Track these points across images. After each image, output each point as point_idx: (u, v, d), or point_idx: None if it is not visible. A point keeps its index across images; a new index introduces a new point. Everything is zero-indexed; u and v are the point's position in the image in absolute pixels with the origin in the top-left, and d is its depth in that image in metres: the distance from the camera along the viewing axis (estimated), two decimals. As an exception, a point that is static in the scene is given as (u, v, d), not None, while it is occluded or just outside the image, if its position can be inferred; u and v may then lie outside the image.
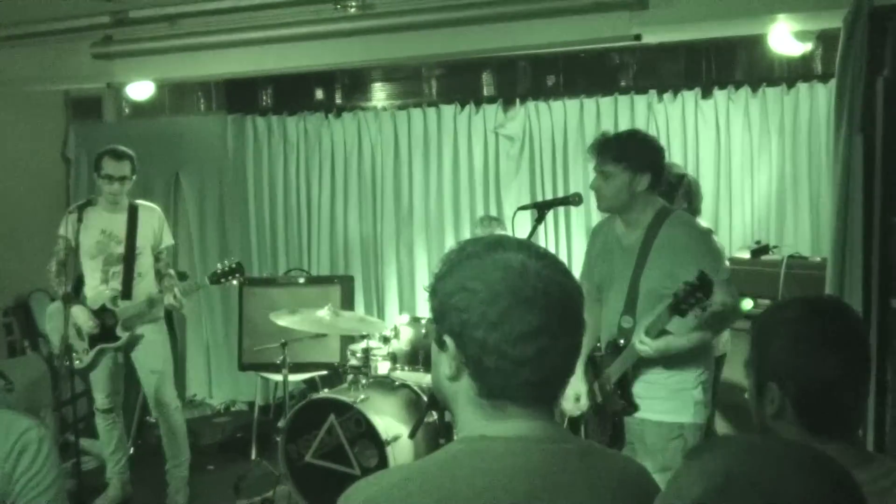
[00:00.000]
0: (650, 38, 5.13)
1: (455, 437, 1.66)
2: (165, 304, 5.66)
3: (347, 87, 7.88)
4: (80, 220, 5.57)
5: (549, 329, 1.51)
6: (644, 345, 3.75)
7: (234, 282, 5.74)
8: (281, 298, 6.78)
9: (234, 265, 5.65)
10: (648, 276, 3.89)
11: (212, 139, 8.04)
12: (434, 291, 1.61)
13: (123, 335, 5.66)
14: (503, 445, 1.54)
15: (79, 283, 5.85)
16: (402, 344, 5.94)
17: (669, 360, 3.88)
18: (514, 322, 1.50)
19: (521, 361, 1.51)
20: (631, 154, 3.89)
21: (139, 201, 5.87)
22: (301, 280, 7.27)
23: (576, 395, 4.17)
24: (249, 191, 8.04)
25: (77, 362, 5.68)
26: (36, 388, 6.94)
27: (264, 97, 8.07)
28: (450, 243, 7.40)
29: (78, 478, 5.61)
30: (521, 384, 1.53)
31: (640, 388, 3.97)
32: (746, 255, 5.72)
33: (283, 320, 5.70)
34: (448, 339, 1.58)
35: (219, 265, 5.69)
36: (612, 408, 4.03)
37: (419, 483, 1.50)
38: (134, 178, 5.75)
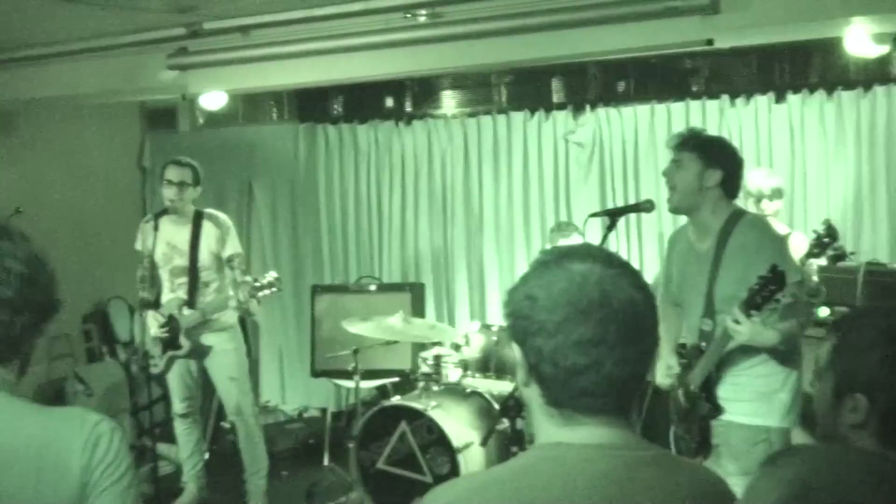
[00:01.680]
0: (722, 43, 5.07)
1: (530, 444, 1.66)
2: (234, 309, 5.68)
3: (417, 95, 7.90)
4: (156, 228, 5.68)
5: (606, 340, 1.51)
6: (738, 324, 3.64)
7: (272, 294, 5.63)
8: (352, 306, 6.83)
9: (271, 279, 5.56)
10: (723, 282, 3.86)
11: (284, 148, 8.14)
12: (507, 298, 1.64)
13: (186, 344, 5.71)
14: (579, 452, 1.55)
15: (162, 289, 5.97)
16: (473, 351, 5.95)
17: (756, 362, 3.85)
18: (568, 332, 1.52)
19: (574, 371, 1.52)
20: (706, 146, 3.92)
21: (207, 210, 5.90)
22: (372, 287, 7.31)
23: (667, 365, 4.16)
24: (321, 199, 8.10)
25: (154, 368, 5.78)
26: (114, 394, 7.08)
27: (335, 106, 8.12)
28: (520, 250, 7.42)
29: (154, 482, 5.70)
30: (579, 394, 1.55)
31: (725, 391, 3.93)
32: (823, 261, 5.62)
33: (355, 327, 5.74)
34: (515, 346, 1.61)
35: (259, 279, 5.57)
36: (698, 412, 4.00)
37: (497, 489, 1.53)
38: (198, 188, 5.77)
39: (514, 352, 1.62)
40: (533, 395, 1.62)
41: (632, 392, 1.60)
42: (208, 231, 5.78)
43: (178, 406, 5.97)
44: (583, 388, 1.54)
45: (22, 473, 1.86)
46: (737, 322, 3.64)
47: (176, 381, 5.90)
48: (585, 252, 1.61)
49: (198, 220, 5.79)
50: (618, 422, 1.58)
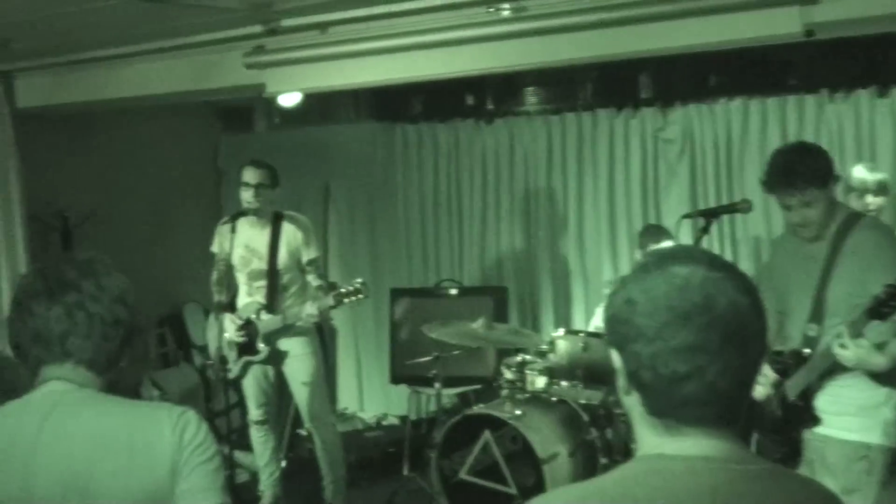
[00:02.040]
0: (822, 35, 4.97)
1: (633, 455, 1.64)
2: (304, 316, 5.70)
3: (499, 92, 7.88)
4: (233, 230, 5.70)
5: (707, 346, 1.49)
6: (845, 347, 3.57)
7: (358, 301, 5.64)
8: (433, 310, 6.86)
9: (357, 285, 5.56)
10: (836, 285, 3.77)
11: (361, 148, 8.19)
12: (607, 302, 1.63)
13: (263, 349, 5.78)
14: (683, 465, 1.52)
15: (237, 293, 6.04)
16: (558, 358, 5.91)
17: (859, 373, 3.73)
18: (667, 338, 1.50)
19: (673, 379, 1.51)
20: (822, 171, 3.78)
21: (286, 212, 5.95)
22: (453, 291, 7.33)
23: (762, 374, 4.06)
24: (399, 200, 8.15)
25: (229, 373, 5.85)
26: (189, 399, 7.19)
27: (414, 104, 8.16)
28: (605, 254, 7.36)
29: (231, 490, 5.75)
30: (680, 403, 1.53)
31: (824, 402, 3.85)
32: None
33: (436, 332, 5.74)
34: (614, 352, 1.60)
35: (345, 286, 5.59)
36: (794, 423, 3.92)
37: (597, 502, 1.51)
38: (276, 190, 5.82)
39: (614, 358, 1.61)
40: (634, 404, 1.60)
41: (738, 402, 1.56)
42: (288, 233, 5.82)
43: (254, 413, 6.04)
44: (685, 397, 1.51)
45: (115, 455, 2.10)
46: (843, 346, 3.56)
47: (252, 386, 5.97)
48: (688, 254, 1.59)
49: (277, 221, 5.83)
50: (724, 433, 1.55)
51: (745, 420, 1.59)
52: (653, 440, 1.58)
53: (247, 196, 5.72)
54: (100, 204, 7.17)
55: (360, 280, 5.64)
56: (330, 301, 5.53)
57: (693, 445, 1.54)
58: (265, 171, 5.78)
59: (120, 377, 2.33)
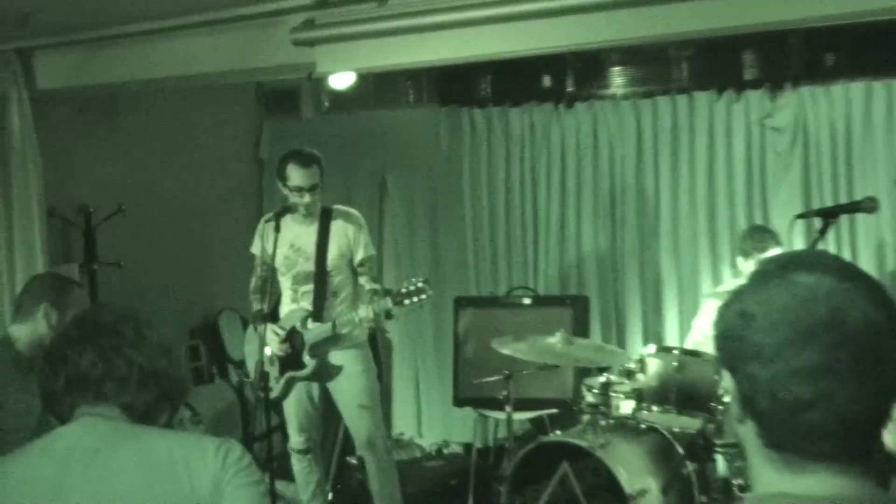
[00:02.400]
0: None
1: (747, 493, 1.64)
2: (357, 321, 5.73)
3: (581, 72, 7.86)
4: (277, 228, 5.66)
5: (835, 369, 1.46)
6: None
7: (420, 303, 5.64)
8: (503, 322, 6.87)
9: (419, 284, 5.60)
10: None
11: (423, 136, 8.24)
12: (719, 316, 1.62)
13: (310, 363, 5.81)
14: (806, 507, 1.53)
15: (279, 301, 6.08)
16: (649, 379, 5.87)
17: None
18: (789, 358, 1.48)
19: (797, 406, 1.48)
20: None
21: (336, 206, 5.99)
22: (527, 301, 7.32)
23: None
24: (465, 195, 8.17)
25: (271, 392, 5.82)
26: (224, 421, 7.25)
27: (483, 86, 8.16)
28: (703, 259, 7.32)
29: (272, 525, 5.82)
30: (803, 434, 1.50)
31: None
32: None
33: (507, 348, 5.72)
34: (726, 374, 1.59)
35: (404, 284, 5.64)
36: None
37: None
38: (324, 179, 5.86)
39: (726, 381, 1.60)
40: (748, 435, 1.59)
41: (871, 434, 1.54)
42: (339, 230, 5.88)
43: (295, 440, 6.07)
44: (809, 428, 1.49)
45: (155, 480, 2.24)
46: None
47: (294, 408, 6.00)
48: (814, 260, 1.58)
49: (326, 217, 5.89)
50: (855, 470, 1.53)
51: (883, 457, 1.57)
52: (771, 477, 1.57)
53: (305, 201, 5.76)
54: (127, 199, 7.25)
55: (421, 278, 5.67)
56: (388, 303, 5.55)
57: (819, 484, 1.52)
58: (315, 167, 5.79)
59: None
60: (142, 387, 2.40)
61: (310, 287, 5.87)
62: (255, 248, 5.98)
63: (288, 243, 5.86)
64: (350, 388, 5.92)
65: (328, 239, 5.86)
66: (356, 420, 5.93)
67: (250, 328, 6.12)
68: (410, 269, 8.04)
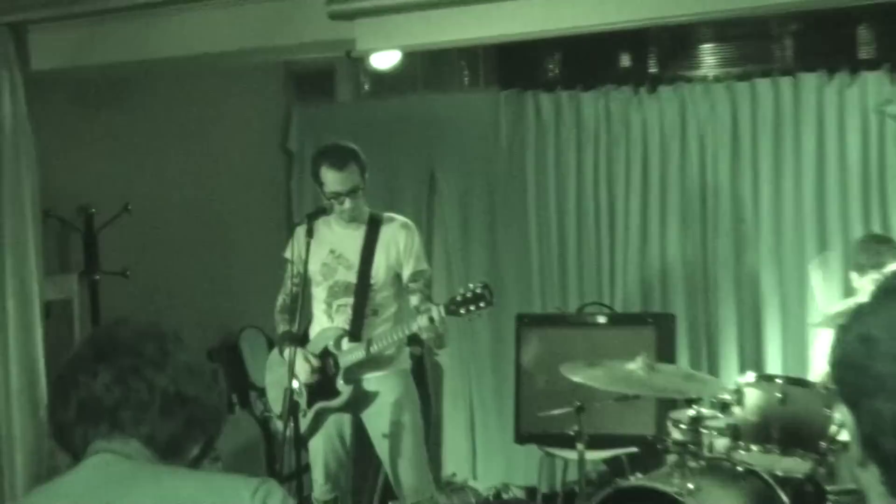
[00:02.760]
0: None
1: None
2: (398, 337, 5.64)
3: (666, 50, 7.90)
4: (310, 234, 5.60)
5: None
6: None
7: (478, 312, 5.45)
8: (574, 345, 6.86)
9: (477, 289, 5.41)
10: None
11: (479, 124, 8.23)
12: (836, 341, 1.58)
13: (345, 389, 5.75)
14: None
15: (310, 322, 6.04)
16: (746, 413, 5.80)
17: None
18: None
19: None
20: None
21: (387, 214, 5.97)
22: (601, 319, 7.30)
23: None
24: (530, 195, 8.16)
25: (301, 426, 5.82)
26: (246, 458, 7.24)
27: (550, 67, 8.17)
28: (813, 271, 7.24)
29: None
30: None
31: None
32: None
33: (578, 375, 5.67)
34: (843, 409, 1.57)
35: (460, 291, 5.48)
36: None
37: None
38: (366, 176, 5.82)
39: (844, 417, 1.57)
40: (871, 481, 1.55)
41: None
42: (388, 239, 5.84)
43: (319, 488, 5.98)
44: None
45: None
46: None
47: (322, 448, 5.93)
48: None
49: (374, 224, 5.87)
50: None
51: None
52: None
53: (346, 207, 5.74)
54: (134, 198, 7.23)
55: (480, 283, 5.49)
56: (440, 311, 5.41)
57: None
58: (353, 167, 5.74)
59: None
60: (165, 415, 2.31)
61: (348, 301, 5.82)
62: (287, 254, 5.91)
63: (327, 248, 5.84)
64: (389, 421, 5.83)
65: (375, 247, 5.83)
66: (395, 460, 5.85)
67: (273, 353, 6.07)
68: (463, 281, 7.96)
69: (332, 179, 5.73)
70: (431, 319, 5.38)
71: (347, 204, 5.73)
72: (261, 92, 8.57)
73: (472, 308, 5.40)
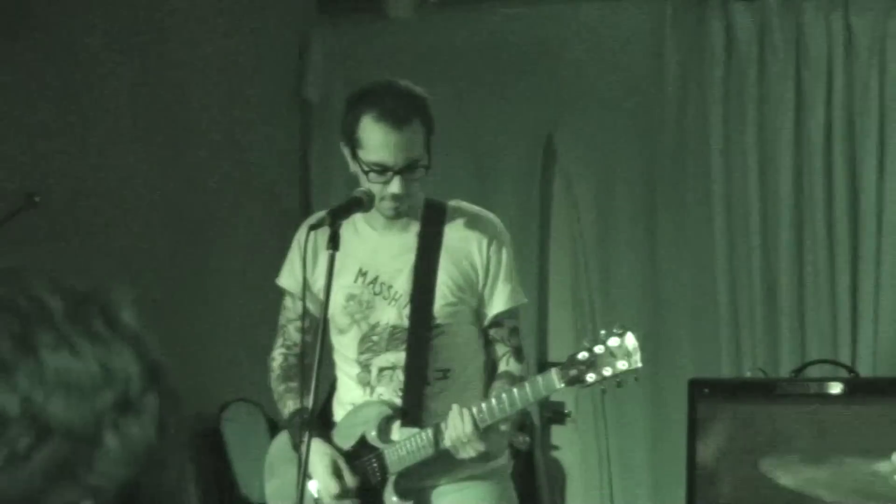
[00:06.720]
0: None
1: None
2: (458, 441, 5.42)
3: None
4: (334, 242, 5.36)
5: None
6: None
7: (618, 378, 5.38)
8: (785, 427, 7.06)
9: (616, 341, 5.31)
10: None
11: (630, 54, 8.19)
12: None
13: None
14: None
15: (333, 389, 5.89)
16: None
17: None
18: None
19: None
20: None
21: (453, 203, 5.85)
22: (835, 388, 7.37)
23: None
24: (714, 172, 8.15)
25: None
26: None
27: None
28: None
29: None
30: None
31: None
32: None
33: (791, 475, 5.62)
34: None
35: (586, 343, 5.40)
36: None
37: None
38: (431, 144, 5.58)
39: None
40: None
41: None
42: (457, 246, 5.70)
43: None
44: None
45: None
46: None
47: None
48: None
49: (433, 220, 5.70)
50: None
51: None
52: None
53: (389, 192, 5.47)
54: (49, 183, 7.25)
55: (619, 328, 5.40)
56: (553, 381, 5.36)
57: None
58: (417, 124, 5.49)
59: None
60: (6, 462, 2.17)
61: (397, 357, 5.71)
62: (286, 280, 5.82)
63: (355, 268, 5.69)
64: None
65: (436, 262, 5.70)
66: None
67: (276, 445, 6.06)
68: (601, 313, 7.96)
69: (378, 141, 5.44)
70: (542, 389, 5.31)
71: (397, 185, 5.41)
72: (263, 7, 8.59)
73: (606, 372, 5.30)
